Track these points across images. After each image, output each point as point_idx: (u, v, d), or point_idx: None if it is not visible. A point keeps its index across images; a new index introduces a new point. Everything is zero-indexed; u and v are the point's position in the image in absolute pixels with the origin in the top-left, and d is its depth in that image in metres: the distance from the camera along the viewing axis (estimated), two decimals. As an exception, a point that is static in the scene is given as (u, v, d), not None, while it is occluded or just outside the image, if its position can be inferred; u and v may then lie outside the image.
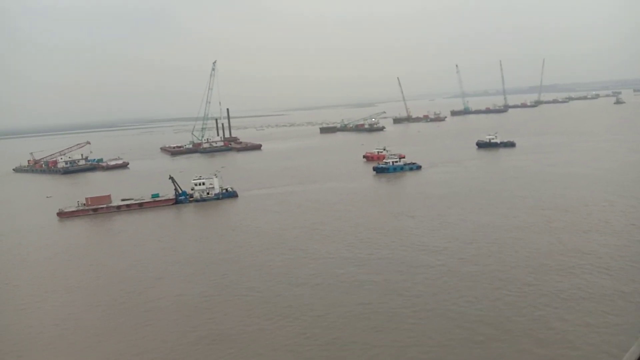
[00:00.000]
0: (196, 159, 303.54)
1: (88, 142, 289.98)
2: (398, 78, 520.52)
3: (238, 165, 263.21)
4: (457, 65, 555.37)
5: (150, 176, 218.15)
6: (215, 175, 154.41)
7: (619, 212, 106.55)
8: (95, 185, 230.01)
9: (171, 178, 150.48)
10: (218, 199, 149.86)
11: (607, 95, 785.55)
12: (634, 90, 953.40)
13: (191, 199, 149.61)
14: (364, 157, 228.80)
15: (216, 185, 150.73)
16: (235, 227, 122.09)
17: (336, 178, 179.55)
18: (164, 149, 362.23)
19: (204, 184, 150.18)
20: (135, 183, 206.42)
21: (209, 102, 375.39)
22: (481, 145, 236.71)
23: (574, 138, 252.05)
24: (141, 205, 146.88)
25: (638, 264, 76.72)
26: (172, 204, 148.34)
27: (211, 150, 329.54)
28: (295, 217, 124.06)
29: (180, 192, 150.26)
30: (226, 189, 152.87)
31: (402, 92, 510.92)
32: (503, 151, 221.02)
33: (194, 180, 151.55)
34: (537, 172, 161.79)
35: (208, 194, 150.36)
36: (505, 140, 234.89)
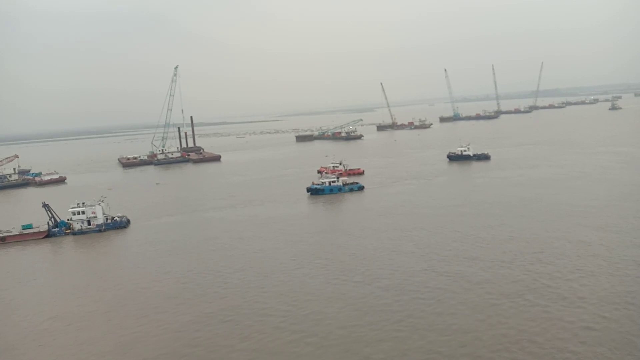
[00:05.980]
0: (148, 172, 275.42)
1: (16, 156, 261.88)
2: (381, 83, 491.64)
3: (183, 180, 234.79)
4: (445, 70, 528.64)
5: (81, 193, 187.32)
6: (100, 201, 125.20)
7: (593, 261, 77.24)
8: (19, 204, 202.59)
9: (45, 206, 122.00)
10: (100, 230, 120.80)
11: (606, 100, 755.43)
12: (635, 95, 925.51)
13: (68, 230, 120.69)
14: (319, 172, 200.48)
15: (99, 214, 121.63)
16: (98, 273, 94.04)
17: (273, 199, 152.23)
18: (121, 160, 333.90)
19: (84, 212, 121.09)
20: (53, 203, 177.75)
21: (170, 110, 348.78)
22: (452, 157, 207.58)
23: (559, 149, 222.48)
24: (4, 240, 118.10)
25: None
26: (44, 237, 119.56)
27: (166, 162, 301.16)
28: (180, 262, 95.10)
29: (57, 222, 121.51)
30: (113, 218, 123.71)
31: (385, 98, 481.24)
32: (475, 165, 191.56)
33: (72, 208, 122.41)
34: (504, 195, 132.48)
35: (89, 224, 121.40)
36: (479, 153, 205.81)
